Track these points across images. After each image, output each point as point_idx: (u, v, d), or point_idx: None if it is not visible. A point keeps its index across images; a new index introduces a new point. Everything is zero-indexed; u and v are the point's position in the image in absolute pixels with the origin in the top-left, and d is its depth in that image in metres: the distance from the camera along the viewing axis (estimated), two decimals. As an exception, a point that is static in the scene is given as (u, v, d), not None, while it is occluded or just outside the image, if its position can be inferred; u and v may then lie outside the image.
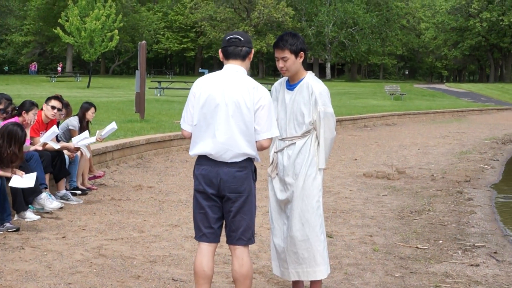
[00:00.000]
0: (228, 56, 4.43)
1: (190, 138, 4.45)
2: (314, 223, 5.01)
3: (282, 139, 5.08)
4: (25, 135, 7.49)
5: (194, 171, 4.45)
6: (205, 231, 4.43)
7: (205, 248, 4.44)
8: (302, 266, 5.04)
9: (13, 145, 7.25)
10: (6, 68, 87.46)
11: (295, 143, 5.02)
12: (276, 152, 5.11)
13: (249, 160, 4.40)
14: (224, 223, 4.49)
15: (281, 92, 5.16)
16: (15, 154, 7.28)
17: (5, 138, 7.24)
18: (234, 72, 4.39)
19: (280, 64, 4.99)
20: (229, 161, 4.32)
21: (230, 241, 4.46)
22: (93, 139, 9.24)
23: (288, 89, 5.10)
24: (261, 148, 4.38)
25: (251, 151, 4.35)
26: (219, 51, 4.51)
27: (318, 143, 5.02)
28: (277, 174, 5.12)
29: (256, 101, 4.31)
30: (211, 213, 4.40)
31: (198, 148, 4.37)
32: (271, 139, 4.40)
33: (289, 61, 4.93)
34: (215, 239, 4.46)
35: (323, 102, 4.96)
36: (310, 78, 5.04)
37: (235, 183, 4.33)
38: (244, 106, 4.29)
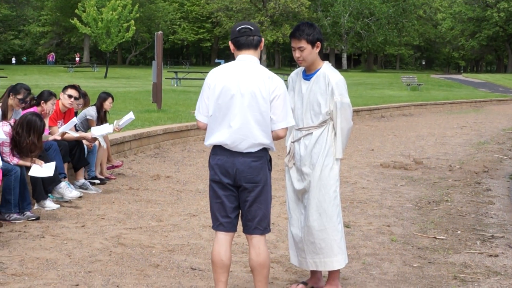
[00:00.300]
0: (241, 46, 4.42)
1: (205, 129, 4.46)
2: (331, 213, 5.00)
3: (298, 129, 5.07)
4: (44, 124, 7.55)
5: (209, 161, 4.46)
6: (222, 221, 4.44)
7: (222, 237, 4.45)
8: (320, 256, 5.03)
9: (32, 135, 7.31)
10: (24, 58, 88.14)
11: (311, 133, 5.01)
12: (293, 142, 5.11)
13: (265, 150, 4.40)
14: (240, 212, 4.51)
15: (297, 82, 5.14)
16: (34, 143, 7.34)
17: (24, 128, 7.30)
18: (249, 62, 4.38)
19: (296, 54, 4.97)
20: (244, 151, 4.32)
21: (247, 230, 4.47)
22: (110, 129, 9.29)
23: (305, 79, 5.08)
24: (277, 137, 4.38)
25: (267, 141, 4.35)
26: (230, 42, 4.49)
27: (335, 133, 5.01)
28: (294, 164, 5.12)
29: (272, 91, 4.30)
30: (228, 203, 4.41)
31: (213, 138, 4.37)
32: (286, 128, 4.40)
33: (306, 51, 4.92)
34: (232, 228, 4.47)
35: (339, 92, 4.94)
36: (326, 68, 5.02)
37: (251, 173, 4.34)
38: (260, 96, 4.28)
